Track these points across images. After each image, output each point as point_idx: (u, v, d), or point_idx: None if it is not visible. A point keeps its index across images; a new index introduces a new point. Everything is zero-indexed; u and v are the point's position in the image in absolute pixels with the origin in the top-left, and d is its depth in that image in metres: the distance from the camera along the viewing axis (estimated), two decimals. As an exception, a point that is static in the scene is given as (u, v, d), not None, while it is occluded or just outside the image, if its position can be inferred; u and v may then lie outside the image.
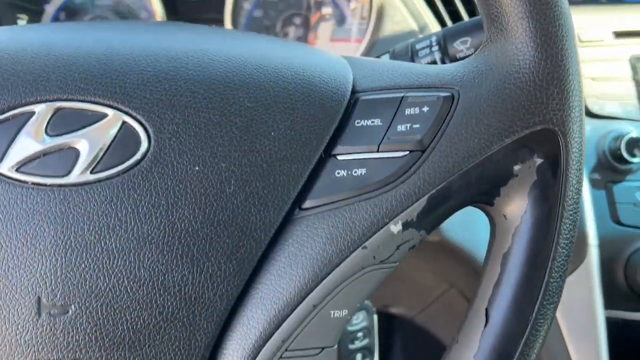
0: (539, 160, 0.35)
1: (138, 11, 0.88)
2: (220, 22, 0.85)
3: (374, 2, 0.77)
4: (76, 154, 0.34)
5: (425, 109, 0.36)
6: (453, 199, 0.35)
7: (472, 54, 0.50)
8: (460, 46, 0.48)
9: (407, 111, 0.36)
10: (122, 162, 0.34)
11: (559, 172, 0.35)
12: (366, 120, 0.37)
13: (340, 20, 0.81)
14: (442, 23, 0.75)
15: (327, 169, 0.36)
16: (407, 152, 0.35)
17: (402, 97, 0.36)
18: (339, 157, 0.36)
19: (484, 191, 0.35)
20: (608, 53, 0.67)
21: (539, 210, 0.35)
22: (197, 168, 0.34)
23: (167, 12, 0.85)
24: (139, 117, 0.35)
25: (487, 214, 0.37)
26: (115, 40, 0.38)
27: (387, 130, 0.36)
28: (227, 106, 0.36)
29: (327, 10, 0.82)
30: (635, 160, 0.64)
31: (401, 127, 0.36)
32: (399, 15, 0.76)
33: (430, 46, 0.50)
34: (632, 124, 0.66)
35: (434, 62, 0.50)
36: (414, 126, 0.35)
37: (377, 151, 0.36)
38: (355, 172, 0.35)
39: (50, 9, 0.86)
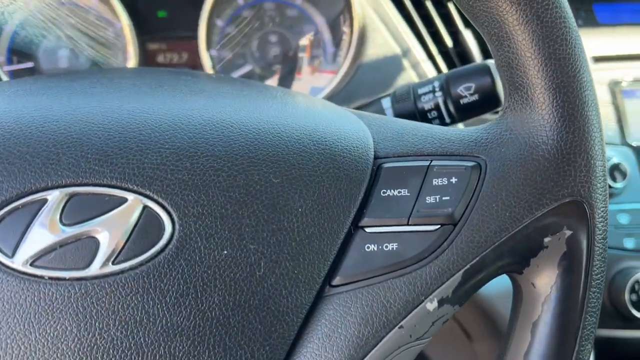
0: (568, 232, 0.35)
1: (104, 30, 0.84)
2: (193, 39, 0.82)
3: (355, 24, 0.75)
4: (96, 244, 0.32)
5: (454, 180, 0.35)
6: (485, 271, 0.35)
7: (476, 99, 0.50)
8: (464, 92, 0.48)
9: (435, 181, 0.36)
10: (146, 250, 0.32)
11: (587, 242, 0.35)
12: (392, 190, 0.36)
13: (329, 58, 0.79)
14: (424, 46, 0.75)
15: (356, 242, 0.35)
16: (439, 226, 0.35)
17: (428, 166, 0.36)
18: (367, 230, 0.35)
19: (514, 262, 0.36)
20: (588, 78, 0.68)
21: (569, 280, 0.35)
22: (225, 252, 0.33)
23: (137, 31, 0.82)
24: (160, 200, 0.33)
25: (514, 280, 0.38)
26: (124, 110, 0.36)
27: (416, 201, 0.35)
28: (252, 183, 0.34)
29: (312, 39, 0.81)
30: (617, 185, 0.66)
31: (430, 199, 0.35)
32: (381, 38, 0.75)
33: (433, 91, 0.49)
34: (613, 149, 0.68)
35: (437, 105, 0.50)
36: (444, 198, 0.35)
37: (408, 224, 0.35)
38: (387, 246, 0.35)
39: (8, 29, 0.81)
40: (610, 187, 0.67)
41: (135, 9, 0.83)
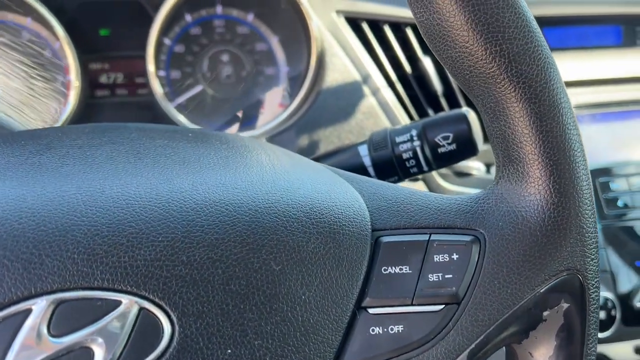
0: (565, 305, 0.36)
1: (41, 49, 0.78)
2: (138, 58, 0.78)
3: (313, 47, 0.74)
4: (90, 354, 0.29)
5: (455, 256, 0.35)
6: (488, 347, 0.35)
7: (454, 149, 0.50)
8: (442, 141, 0.48)
9: (436, 258, 0.35)
10: (145, 356, 0.30)
11: (582, 313, 0.36)
12: (394, 268, 0.35)
13: (292, 91, 0.77)
14: (383, 72, 0.74)
15: (360, 325, 0.34)
16: (443, 306, 0.35)
17: (428, 240, 0.36)
18: (371, 311, 0.35)
19: (514, 334, 0.36)
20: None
21: (566, 351, 0.36)
22: (229, 351, 0.31)
23: (78, 51, 0.76)
24: (157, 300, 0.31)
25: (509, 347, 0.38)
26: (107, 196, 0.33)
27: (418, 280, 0.35)
28: (252, 272, 0.32)
29: (271, 71, 0.78)
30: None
31: (432, 277, 0.35)
32: (340, 63, 0.74)
33: (411, 140, 0.49)
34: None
35: (415, 154, 0.50)
36: (446, 276, 0.35)
37: (412, 304, 0.35)
38: (392, 329, 0.34)
39: None
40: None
41: (74, 28, 0.77)
